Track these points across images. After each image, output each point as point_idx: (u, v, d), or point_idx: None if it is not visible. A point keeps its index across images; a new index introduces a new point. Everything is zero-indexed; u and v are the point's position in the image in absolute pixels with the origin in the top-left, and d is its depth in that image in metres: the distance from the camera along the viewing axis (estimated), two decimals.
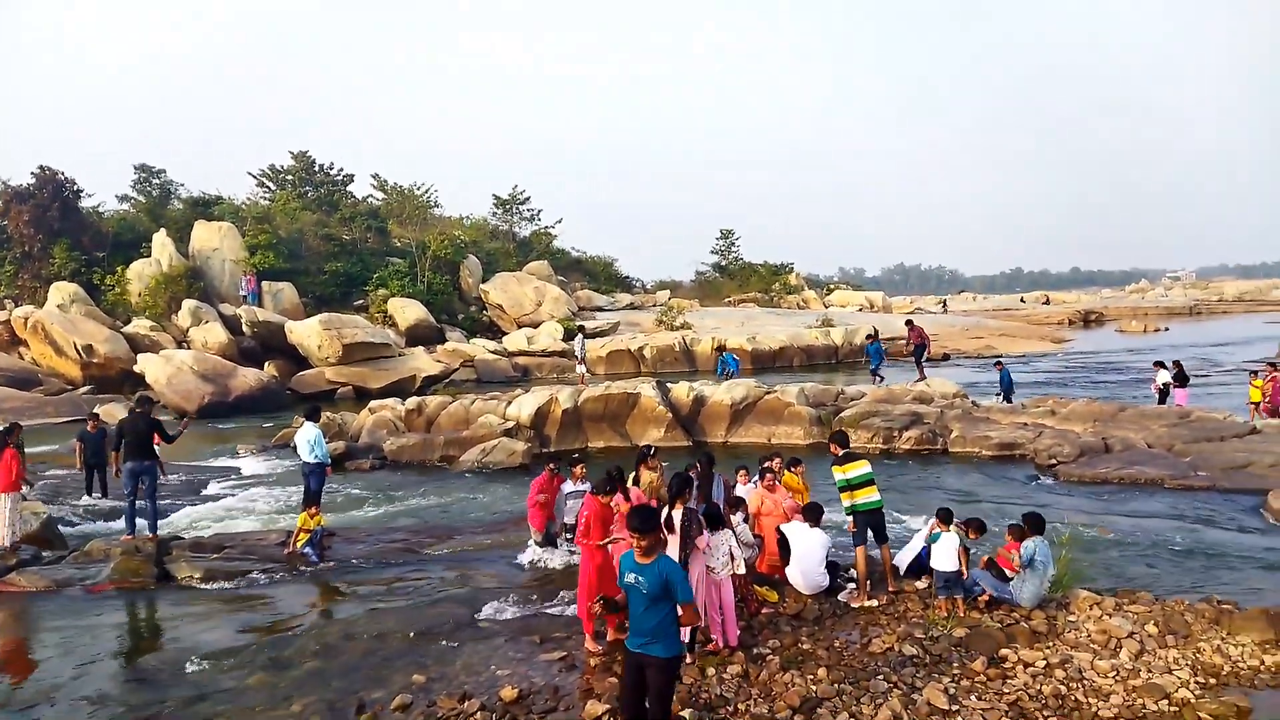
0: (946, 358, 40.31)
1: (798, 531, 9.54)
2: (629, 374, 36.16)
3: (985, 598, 8.50)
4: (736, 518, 9.46)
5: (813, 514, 9.61)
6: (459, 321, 46.76)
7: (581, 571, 8.22)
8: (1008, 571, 8.73)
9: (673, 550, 7.35)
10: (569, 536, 10.73)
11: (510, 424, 20.68)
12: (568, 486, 10.99)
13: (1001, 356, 35.12)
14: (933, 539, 8.79)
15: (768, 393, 21.69)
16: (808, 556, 9.33)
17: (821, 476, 13.36)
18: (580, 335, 30.60)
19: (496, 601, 9.63)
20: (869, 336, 29.45)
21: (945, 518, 8.93)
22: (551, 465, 11.10)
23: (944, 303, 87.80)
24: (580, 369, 29.12)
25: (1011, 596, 8.53)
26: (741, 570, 8.06)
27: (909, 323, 27.79)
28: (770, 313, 55.07)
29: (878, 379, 25.72)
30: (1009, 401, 22.27)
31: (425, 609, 9.48)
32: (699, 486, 9.61)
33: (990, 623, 8.20)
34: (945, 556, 8.59)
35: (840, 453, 9.30)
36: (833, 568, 9.75)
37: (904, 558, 9.68)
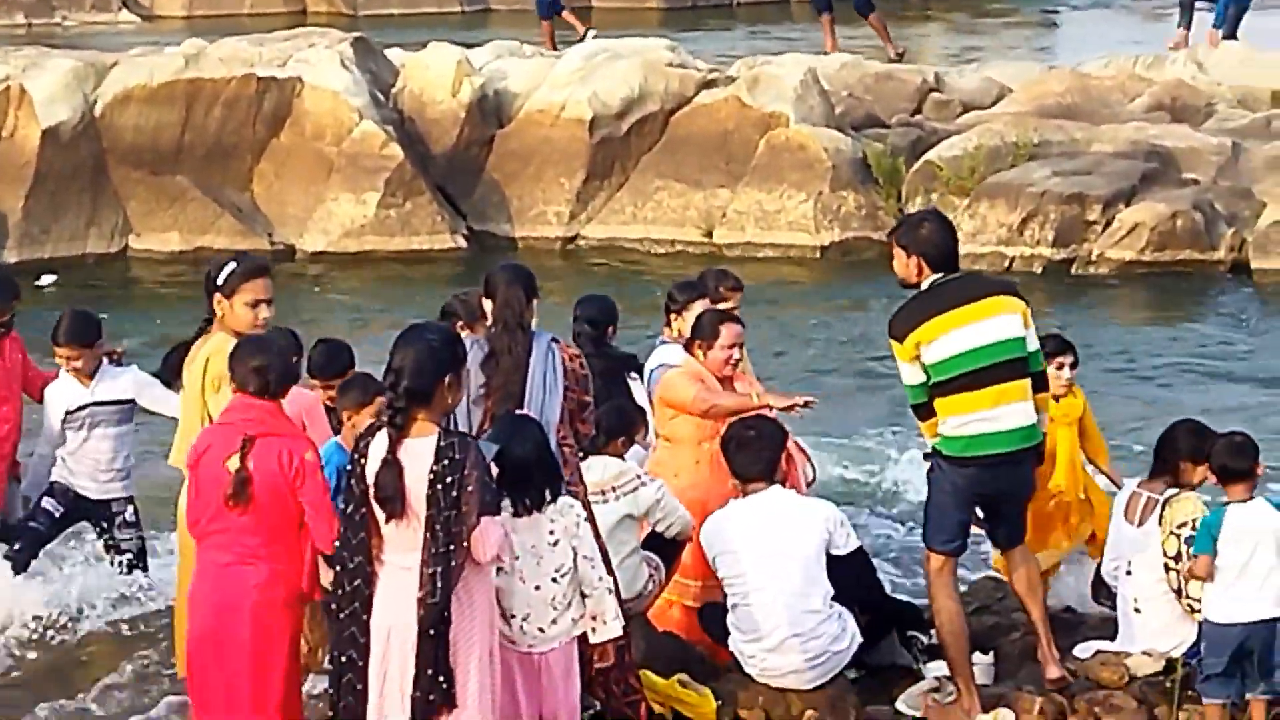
0: None
1: (750, 513, 5.92)
2: (270, 16, 23.80)
3: None
4: (624, 465, 5.73)
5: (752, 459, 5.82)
6: None
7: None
8: None
9: (399, 551, 4.43)
10: (121, 538, 7.26)
11: None
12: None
13: None
14: (1205, 527, 5.33)
15: (706, 84, 15.10)
16: (787, 580, 5.89)
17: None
18: None
19: None
20: None
21: (1231, 473, 5.30)
22: None
23: None
24: None
25: None
26: (615, 631, 5.01)
27: None
28: None
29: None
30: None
31: None
32: (486, 364, 5.30)
33: None
34: (1253, 592, 5.15)
35: (929, 277, 5.50)
36: (875, 610, 6.12)
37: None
